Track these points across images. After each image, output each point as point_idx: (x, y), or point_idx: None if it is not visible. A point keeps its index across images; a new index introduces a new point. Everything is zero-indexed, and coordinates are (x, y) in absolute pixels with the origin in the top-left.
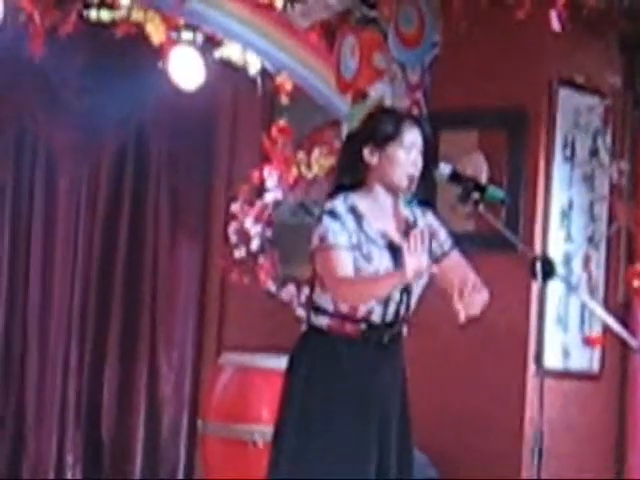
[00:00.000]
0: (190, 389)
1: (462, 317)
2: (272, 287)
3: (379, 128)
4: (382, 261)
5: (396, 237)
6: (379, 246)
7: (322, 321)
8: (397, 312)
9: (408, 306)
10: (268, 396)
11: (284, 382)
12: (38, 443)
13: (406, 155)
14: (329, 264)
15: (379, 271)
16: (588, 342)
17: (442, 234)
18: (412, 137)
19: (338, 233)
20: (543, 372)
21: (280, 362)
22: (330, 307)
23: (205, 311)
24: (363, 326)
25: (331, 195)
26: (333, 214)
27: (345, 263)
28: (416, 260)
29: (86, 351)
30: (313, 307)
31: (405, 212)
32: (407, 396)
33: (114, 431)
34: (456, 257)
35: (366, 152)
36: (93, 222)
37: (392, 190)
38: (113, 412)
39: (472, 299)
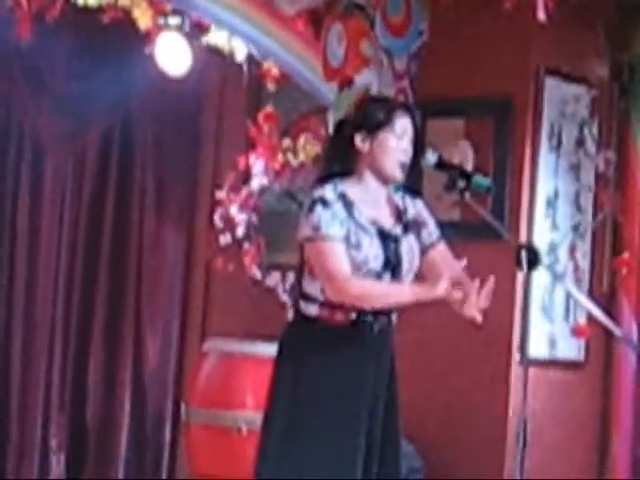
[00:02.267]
0: (174, 375)
1: (479, 318)
2: (257, 274)
3: (371, 115)
4: (372, 248)
5: (387, 224)
6: (370, 233)
7: (311, 309)
8: None
9: None
10: (252, 383)
11: (273, 370)
12: (22, 427)
13: (397, 142)
14: (323, 257)
15: (368, 258)
16: (575, 333)
17: (431, 224)
18: (404, 124)
19: (330, 223)
20: (527, 361)
21: (265, 349)
22: (320, 295)
23: (190, 297)
24: (353, 315)
25: (320, 182)
26: (324, 202)
27: (340, 256)
28: (475, 305)
29: (71, 337)
30: (302, 295)
31: (396, 199)
32: (396, 385)
33: (98, 416)
34: (443, 248)
35: (357, 139)
36: (79, 208)
37: (383, 178)
38: (98, 397)
39: (480, 297)
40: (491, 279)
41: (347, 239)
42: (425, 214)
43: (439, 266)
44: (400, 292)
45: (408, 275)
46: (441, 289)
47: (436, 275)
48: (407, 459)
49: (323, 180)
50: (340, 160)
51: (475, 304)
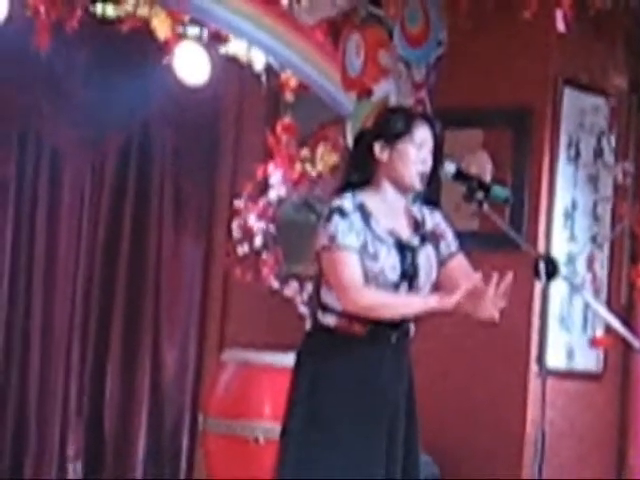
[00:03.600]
0: (192, 385)
1: (497, 316)
2: (275, 284)
3: (390, 125)
4: (389, 259)
5: (405, 234)
6: (387, 244)
7: (329, 320)
8: None
9: None
10: (270, 393)
11: (291, 380)
12: (40, 436)
13: (416, 152)
14: (338, 267)
15: (385, 269)
16: (594, 344)
17: (449, 235)
18: (423, 134)
19: (347, 233)
20: (545, 372)
21: (282, 359)
22: (338, 306)
23: (208, 307)
24: (371, 326)
25: (338, 192)
26: (342, 212)
27: (354, 267)
28: (490, 308)
29: (89, 346)
30: (320, 305)
31: (414, 210)
32: (414, 395)
33: (116, 425)
34: (461, 259)
35: (377, 148)
36: (97, 217)
37: (401, 187)
38: (115, 406)
39: (497, 295)
40: (509, 275)
41: (364, 250)
42: (443, 226)
43: (457, 278)
44: (410, 303)
45: (425, 286)
46: (452, 301)
47: (454, 287)
48: (424, 468)
49: (342, 190)
50: (359, 170)
51: (490, 305)
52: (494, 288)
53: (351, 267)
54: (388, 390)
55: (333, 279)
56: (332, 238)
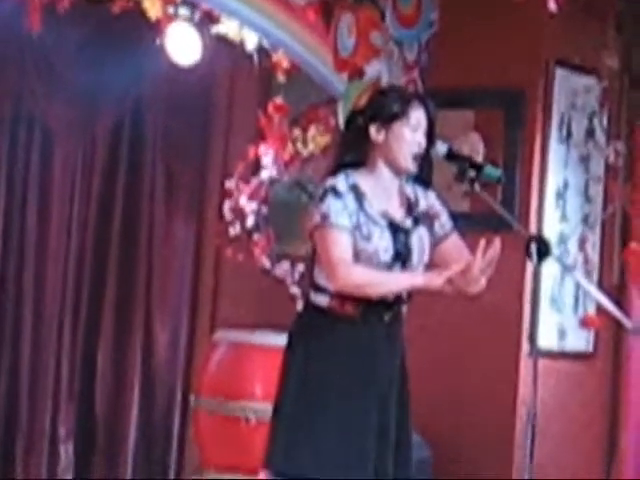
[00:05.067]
0: (184, 365)
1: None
2: (266, 264)
3: (386, 106)
4: (382, 240)
5: (398, 216)
6: (380, 226)
7: (322, 300)
8: (397, 292)
9: None
10: (262, 373)
11: (283, 360)
12: (31, 417)
13: (412, 134)
14: (329, 245)
15: (378, 250)
16: (584, 324)
17: (443, 215)
18: (418, 116)
19: (340, 213)
20: (537, 352)
21: (274, 339)
22: (330, 286)
23: (199, 287)
24: (363, 306)
25: (332, 172)
26: (335, 192)
27: (345, 246)
28: (477, 276)
29: (80, 326)
30: (312, 285)
31: (407, 191)
32: (406, 375)
33: (107, 406)
34: (456, 239)
35: (372, 130)
36: (88, 198)
37: (396, 169)
38: (106, 387)
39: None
40: (496, 242)
41: (358, 231)
42: (437, 206)
43: (451, 257)
44: (398, 280)
45: (418, 267)
46: (439, 280)
47: (448, 266)
48: (416, 449)
49: (335, 170)
50: (353, 151)
51: (478, 274)
52: (481, 255)
53: (342, 245)
54: (380, 370)
55: (324, 257)
56: (325, 217)
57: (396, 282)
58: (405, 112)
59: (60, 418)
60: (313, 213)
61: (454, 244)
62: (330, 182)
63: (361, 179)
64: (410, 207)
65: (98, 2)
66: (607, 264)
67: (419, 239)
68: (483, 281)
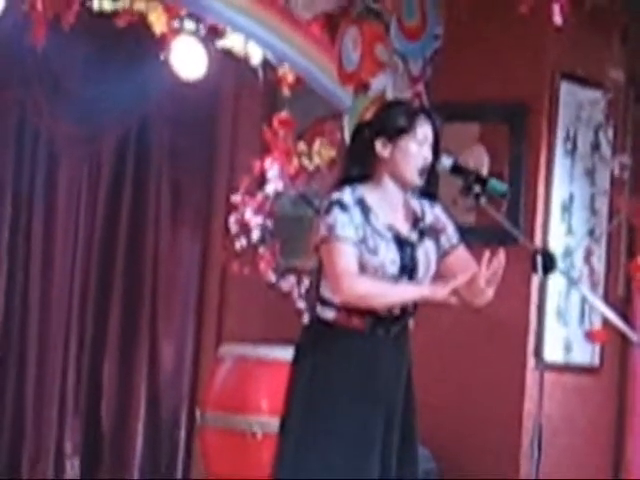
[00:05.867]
0: (189, 380)
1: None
2: (272, 278)
3: (392, 121)
4: (388, 253)
5: (404, 229)
6: (386, 239)
7: (328, 314)
8: (404, 305)
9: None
10: (267, 387)
11: (290, 374)
12: (37, 431)
13: (418, 149)
14: (334, 257)
15: (385, 263)
16: (590, 337)
17: (450, 228)
18: (425, 131)
19: (346, 225)
20: (543, 366)
21: (280, 353)
22: (336, 300)
23: (205, 301)
24: (370, 319)
25: (337, 186)
26: (342, 205)
27: (350, 257)
28: (483, 288)
29: (86, 340)
30: (319, 299)
31: (413, 204)
32: (413, 390)
33: (113, 421)
34: (462, 252)
35: (378, 145)
36: (94, 212)
37: (402, 183)
38: (113, 401)
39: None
40: (500, 254)
41: (364, 244)
42: (444, 219)
43: (459, 270)
44: (404, 292)
45: (425, 280)
46: (444, 291)
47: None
48: (421, 462)
49: (340, 184)
50: (359, 164)
51: (484, 284)
52: (485, 266)
53: (347, 257)
54: (386, 385)
55: (329, 269)
56: (330, 229)
57: (401, 293)
58: (412, 127)
59: (66, 433)
60: (319, 226)
61: (461, 257)
62: (336, 195)
63: (367, 192)
64: (416, 220)
65: (103, 16)
66: (613, 277)
67: (425, 252)
68: (489, 293)
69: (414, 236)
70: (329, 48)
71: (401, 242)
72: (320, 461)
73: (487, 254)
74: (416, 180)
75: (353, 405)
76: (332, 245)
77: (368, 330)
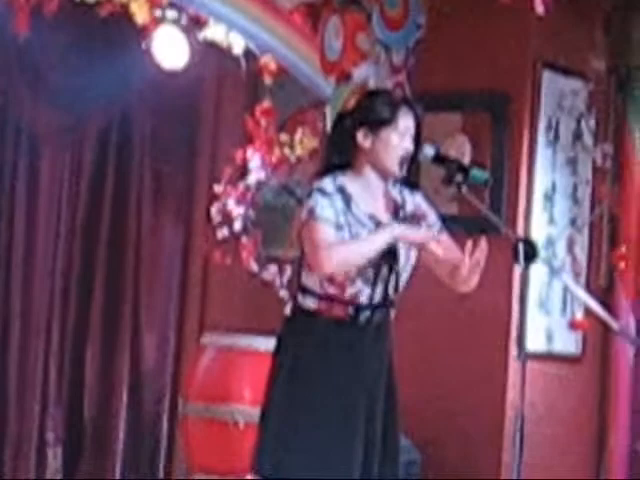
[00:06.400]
0: (172, 369)
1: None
2: (254, 267)
3: (374, 111)
4: None
5: (384, 219)
6: (367, 227)
7: (310, 303)
8: (385, 293)
9: (397, 287)
10: (250, 376)
11: (271, 364)
12: (19, 421)
13: (400, 140)
14: (313, 236)
15: None
16: (573, 326)
17: (432, 216)
18: (407, 123)
19: (326, 208)
20: (525, 355)
21: (262, 342)
22: (318, 289)
23: (187, 291)
24: (351, 308)
25: (319, 175)
26: (323, 192)
27: (327, 236)
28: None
29: (68, 330)
30: (301, 288)
31: (394, 193)
32: (394, 379)
33: (96, 410)
34: (445, 239)
35: (360, 135)
36: (76, 202)
37: (382, 173)
38: (95, 391)
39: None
40: (483, 243)
41: (346, 231)
42: (424, 206)
43: (441, 257)
44: (375, 238)
45: (405, 268)
46: (417, 235)
47: (441, 266)
48: (404, 452)
49: (322, 173)
50: (340, 154)
51: (466, 278)
52: (468, 256)
53: (325, 234)
54: (368, 372)
55: (308, 246)
56: (310, 211)
57: (375, 240)
58: (393, 118)
59: (48, 423)
60: (301, 212)
61: (443, 244)
62: (317, 184)
63: (348, 181)
64: (397, 209)
65: (85, 6)
66: (595, 266)
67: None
68: (473, 281)
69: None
70: (311, 37)
71: None
72: (301, 451)
73: (470, 243)
74: (396, 170)
75: (334, 395)
76: (311, 225)
77: (349, 319)
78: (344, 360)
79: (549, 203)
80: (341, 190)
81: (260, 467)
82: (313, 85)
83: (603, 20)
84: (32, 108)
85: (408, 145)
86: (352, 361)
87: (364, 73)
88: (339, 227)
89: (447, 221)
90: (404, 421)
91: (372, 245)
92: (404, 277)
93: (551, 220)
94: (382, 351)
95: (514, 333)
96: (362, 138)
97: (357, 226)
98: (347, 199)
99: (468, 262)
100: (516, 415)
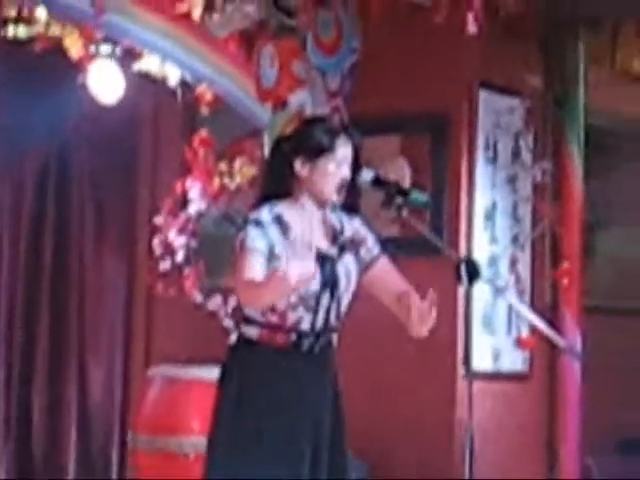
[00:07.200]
0: (120, 402)
1: (425, 333)
2: (198, 298)
3: (312, 140)
4: None
5: (323, 246)
6: (306, 256)
7: (252, 331)
8: (327, 320)
9: (338, 314)
10: (198, 407)
11: (216, 395)
12: None
13: (337, 169)
14: (240, 268)
15: None
16: (519, 344)
17: (370, 240)
18: (345, 151)
19: (256, 239)
20: (472, 374)
21: (209, 372)
22: (260, 317)
23: (132, 323)
24: (293, 336)
25: (256, 204)
26: (257, 222)
27: (255, 267)
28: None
29: (14, 365)
30: (243, 318)
31: (333, 220)
32: (341, 403)
33: (45, 445)
34: (385, 263)
35: (297, 164)
36: (17, 238)
37: (320, 201)
38: (43, 426)
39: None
40: (430, 293)
41: (283, 261)
42: (363, 231)
43: (382, 281)
44: (280, 287)
45: (345, 294)
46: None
47: (381, 290)
48: (354, 473)
49: (260, 202)
50: (277, 182)
51: (418, 322)
52: (415, 311)
53: (252, 267)
54: (313, 399)
55: (235, 280)
56: (241, 243)
57: (275, 290)
58: (331, 147)
59: None
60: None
61: (383, 268)
62: (253, 214)
63: (285, 210)
64: (335, 236)
65: (18, 43)
66: (539, 284)
67: (345, 267)
68: (423, 330)
69: (333, 251)
70: (246, 65)
71: (321, 258)
72: (248, 476)
73: (415, 298)
74: (334, 197)
75: (279, 422)
76: (241, 256)
77: (291, 347)
78: (288, 388)
79: (490, 222)
80: (278, 219)
81: None
82: (250, 113)
83: (537, 38)
84: None
85: (345, 173)
86: (296, 388)
87: (301, 99)
88: (275, 257)
89: (388, 244)
90: (353, 442)
91: (273, 296)
92: (345, 302)
93: (493, 239)
94: (326, 377)
95: (460, 353)
96: (299, 167)
97: (294, 255)
98: (284, 228)
99: (415, 315)
100: (465, 434)
